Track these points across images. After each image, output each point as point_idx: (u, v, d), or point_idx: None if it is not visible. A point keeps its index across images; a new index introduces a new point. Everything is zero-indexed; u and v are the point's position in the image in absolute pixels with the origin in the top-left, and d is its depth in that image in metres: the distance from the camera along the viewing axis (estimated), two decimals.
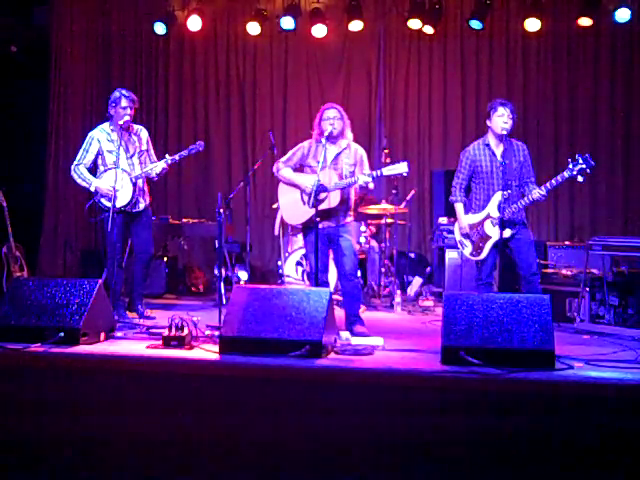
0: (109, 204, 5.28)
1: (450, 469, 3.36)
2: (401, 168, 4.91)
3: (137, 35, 9.04)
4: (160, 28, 8.54)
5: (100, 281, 4.31)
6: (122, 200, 5.38)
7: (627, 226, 8.11)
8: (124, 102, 5.44)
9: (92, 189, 5.45)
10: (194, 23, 8.43)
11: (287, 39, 8.86)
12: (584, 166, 4.69)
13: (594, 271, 5.55)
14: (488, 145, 5.08)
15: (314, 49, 8.86)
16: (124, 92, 5.48)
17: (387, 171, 4.97)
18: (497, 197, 4.96)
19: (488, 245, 5.02)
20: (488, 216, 5.03)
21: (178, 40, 9.03)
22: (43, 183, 8.71)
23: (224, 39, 9.04)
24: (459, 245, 5.27)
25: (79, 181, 5.52)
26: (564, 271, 6.00)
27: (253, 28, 8.48)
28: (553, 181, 4.83)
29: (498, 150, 5.04)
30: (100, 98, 8.76)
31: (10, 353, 3.87)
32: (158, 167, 5.49)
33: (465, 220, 5.16)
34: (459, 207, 5.21)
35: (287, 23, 8.29)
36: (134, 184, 5.47)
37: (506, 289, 5.84)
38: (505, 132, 4.96)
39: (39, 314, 4.13)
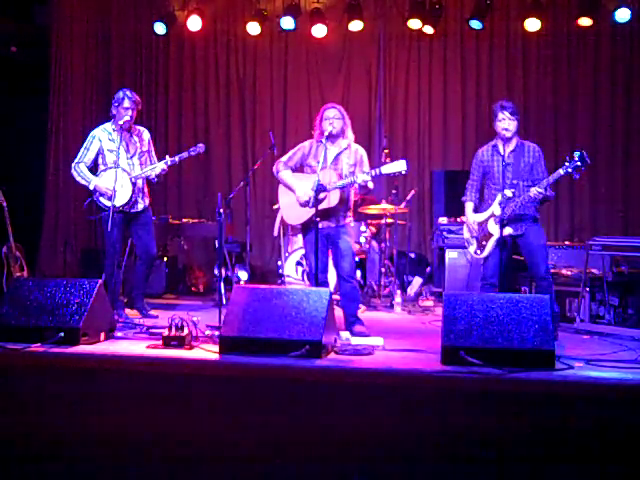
0: (108, 203, 5.30)
1: (450, 469, 3.36)
2: (399, 166, 4.89)
3: (137, 35, 9.05)
4: (160, 28, 8.54)
5: (100, 281, 4.31)
6: (121, 199, 5.38)
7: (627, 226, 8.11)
8: (127, 103, 5.45)
9: (91, 187, 5.46)
10: (194, 23, 8.44)
11: (287, 39, 8.87)
12: (579, 163, 4.71)
13: (594, 271, 5.55)
14: (496, 147, 5.17)
15: (314, 49, 8.86)
16: (128, 93, 5.49)
17: (386, 169, 4.96)
18: (500, 196, 5.00)
19: (490, 242, 5.08)
20: (492, 215, 5.09)
21: (178, 40, 9.04)
22: (43, 183, 8.71)
23: (224, 39, 9.05)
24: (466, 243, 5.37)
25: (79, 179, 5.53)
26: (564, 271, 6.00)
27: (253, 28, 8.49)
28: (550, 178, 4.86)
29: (506, 151, 5.11)
30: (100, 98, 8.78)
31: (10, 353, 3.87)
32: (157, 168, 5.50)
33: (472, 218, 5.25)
34: (468, 206, 5.33)
35: (287, 23, 8.30)
36: (133, 184, 5.46)
37: (506, 289, 5.82)
38: (508, 134, 5.04)
39: (39, 314, 4.12)
